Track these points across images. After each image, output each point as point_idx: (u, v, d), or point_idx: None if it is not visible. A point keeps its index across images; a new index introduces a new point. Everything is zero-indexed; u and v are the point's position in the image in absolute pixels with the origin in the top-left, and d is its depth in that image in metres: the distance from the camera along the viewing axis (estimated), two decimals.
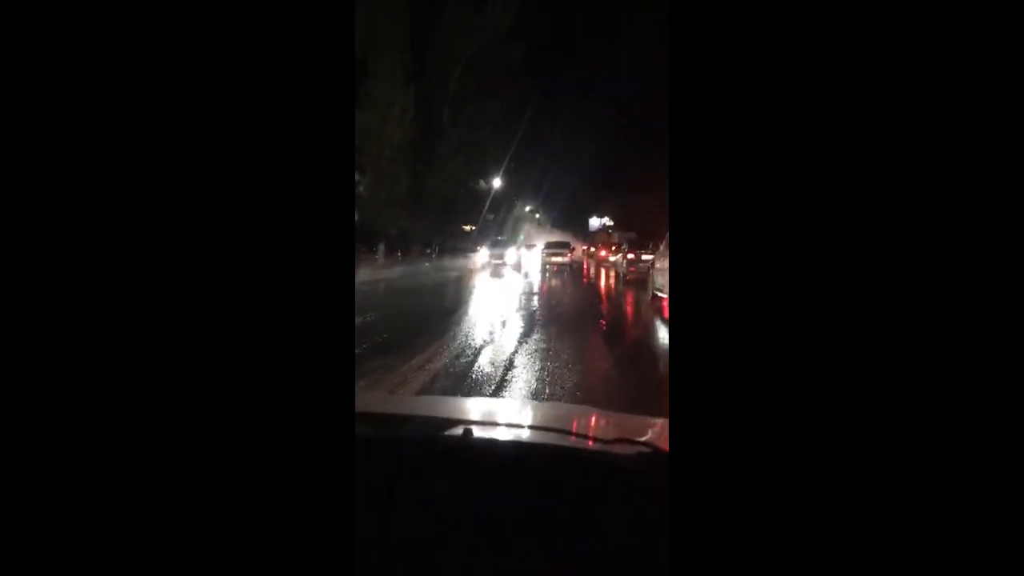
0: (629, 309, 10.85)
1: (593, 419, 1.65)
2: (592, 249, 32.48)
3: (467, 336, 7.05)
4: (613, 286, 16.15)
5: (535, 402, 3.87)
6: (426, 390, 4.53)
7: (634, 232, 30.00)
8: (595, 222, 57.21)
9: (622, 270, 17.52)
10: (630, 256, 17.07)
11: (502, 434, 1.37)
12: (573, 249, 26.14)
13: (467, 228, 48.15)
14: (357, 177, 20.76)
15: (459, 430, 1.18)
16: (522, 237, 52.86)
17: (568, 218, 60.95)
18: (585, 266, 26.19)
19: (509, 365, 5.38)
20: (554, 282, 16.91)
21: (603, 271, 21.74)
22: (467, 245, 35.39)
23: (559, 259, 23.30)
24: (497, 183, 41.86)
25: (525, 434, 1.41)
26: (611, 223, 45.63)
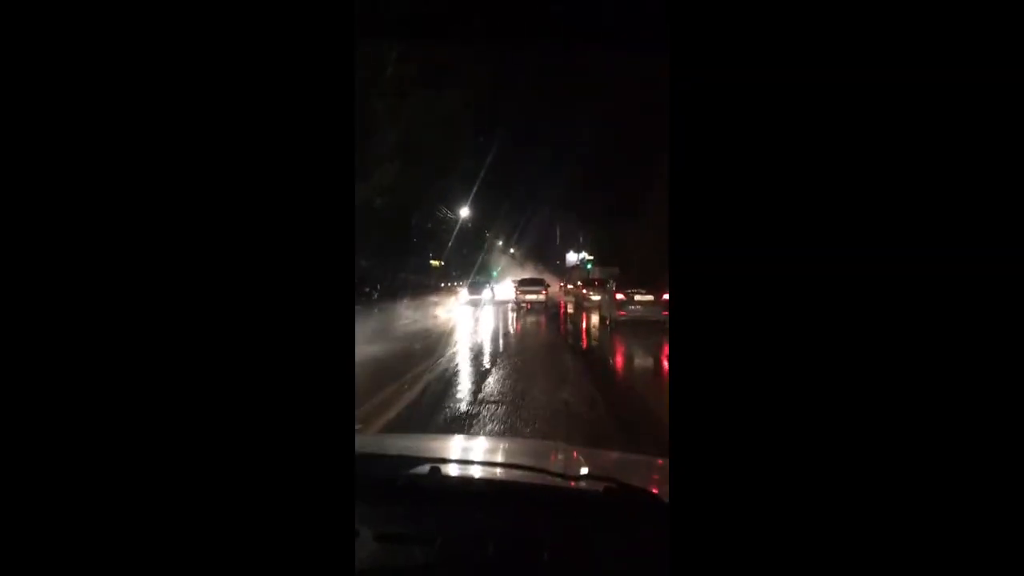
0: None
1: (564, 455, 1.70)
2: (571, 286, 28.95)
3: None
4: (606, 345, 12.31)
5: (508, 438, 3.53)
6: None
7: (616, 267, 26.91)
8: (572, 257, 53.94)
9: (610, 313, 13.81)
10: (619, 296, 13.39)
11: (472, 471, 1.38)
12: (548, 286, 23.49)
13: (434, 263, 44.30)
14: None
15: (426, 468, 1.17)
16: (495, 273, 49.35)
17: (544, 254, 57.78)
18: (562, 307, 22.44)
19: None
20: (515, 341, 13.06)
21: (586, 314, 17.94)
22: (430, 282, 31.42)
23: (533, 297, 21.34)
24: (465, 212, 38.46)
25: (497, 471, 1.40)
26: (590, 257, 42.24)
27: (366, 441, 2.29)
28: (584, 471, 1.26)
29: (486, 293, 25.89)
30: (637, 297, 13.02)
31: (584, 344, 11.53)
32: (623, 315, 13.02)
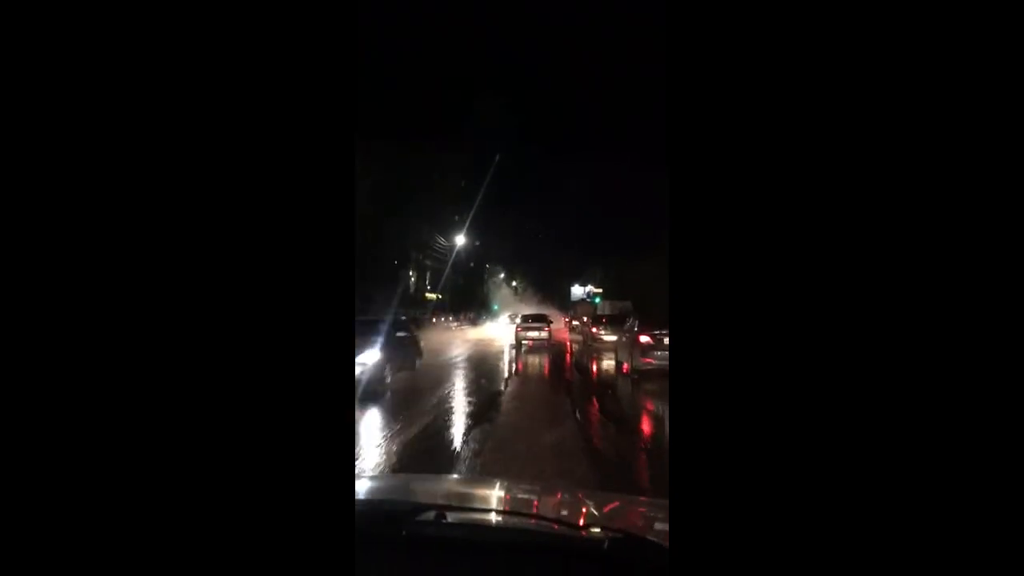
0: None
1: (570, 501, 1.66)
2: (576, 323, 25.85)
3: None
4: (638, 421, 8.88)
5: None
6: None
7: (629, 301, 23.98)
8: (578, 291, 50.89)
9: (631, 360, 10.61)
10: (644, 339, 10.22)
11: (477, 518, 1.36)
12: (551, 323, 20.84)
13: (430, 296, 41.08)
14: None
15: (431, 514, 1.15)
16: (495, 307, 46.23)
17: (547, 287, 54.72)
18: (568, 349, 19.23)
19: None
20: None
21: (595, 360, 14.64)
22: (422, 317, 28.16)
23: (536, 334, 19.10)
24: (463, 240, 35.69)
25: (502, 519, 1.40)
26: (598, 291, 39.17)
27: (368, 484, 2.08)
28: (591, 518, 1.34)
29: (377, 356, 8.25)
30: (668, 341, 9.88)
31: (597, 434, 7.91)
32: (650, 363, 9.83)
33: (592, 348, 17.44)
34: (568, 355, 16.84)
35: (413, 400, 7.86)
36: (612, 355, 13.24)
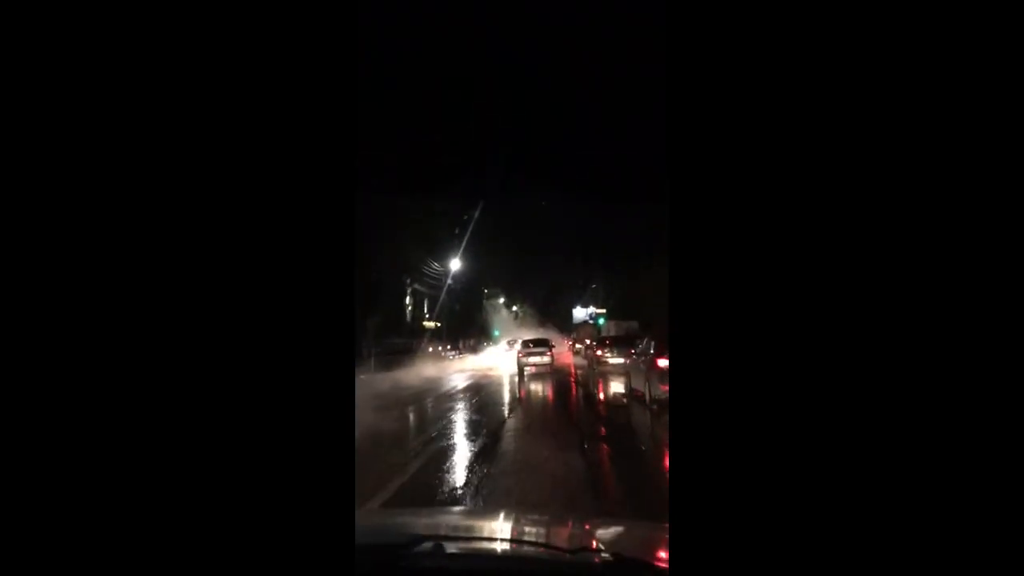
0: None
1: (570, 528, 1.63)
2: (579, 345, 24.37)
3: None
4: None
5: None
6: None
7: (635, 321, 22.70)
8: (580, 312, 49.37)
9: (649, 388, 9.11)
10: (662, 363, 8.69)
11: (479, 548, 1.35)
12: (553, 346, 19.72)
13: (429, 324, 39.53)
14: None
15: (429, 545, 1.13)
16: (496, 332, 44.66)
17: (549, 309, 53.25)
18: (572, 375, 17.69)
19: None
20: None
21: (602, 384, 13.05)
22: (416, 347, 26.59)
23: (538, 359, 18.08)
24: (459, 266, 34.37)
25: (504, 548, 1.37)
26: (601, 311, 37.67)
27: (366, 518, 2.00)
28: (590, 543, 1.29)
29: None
30: None
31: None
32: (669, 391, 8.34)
33: (598, 372, 16.00)
34: (573, 382, 15.28)
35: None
36: (620, 379, 11.71)
